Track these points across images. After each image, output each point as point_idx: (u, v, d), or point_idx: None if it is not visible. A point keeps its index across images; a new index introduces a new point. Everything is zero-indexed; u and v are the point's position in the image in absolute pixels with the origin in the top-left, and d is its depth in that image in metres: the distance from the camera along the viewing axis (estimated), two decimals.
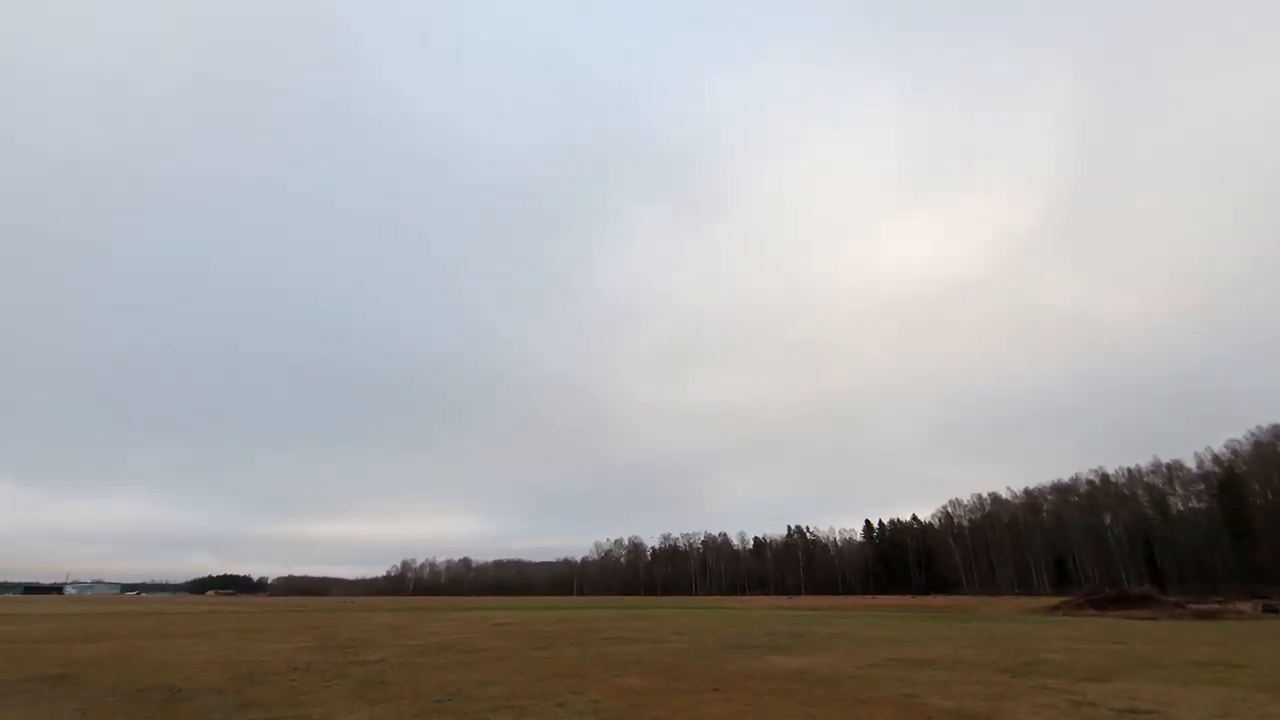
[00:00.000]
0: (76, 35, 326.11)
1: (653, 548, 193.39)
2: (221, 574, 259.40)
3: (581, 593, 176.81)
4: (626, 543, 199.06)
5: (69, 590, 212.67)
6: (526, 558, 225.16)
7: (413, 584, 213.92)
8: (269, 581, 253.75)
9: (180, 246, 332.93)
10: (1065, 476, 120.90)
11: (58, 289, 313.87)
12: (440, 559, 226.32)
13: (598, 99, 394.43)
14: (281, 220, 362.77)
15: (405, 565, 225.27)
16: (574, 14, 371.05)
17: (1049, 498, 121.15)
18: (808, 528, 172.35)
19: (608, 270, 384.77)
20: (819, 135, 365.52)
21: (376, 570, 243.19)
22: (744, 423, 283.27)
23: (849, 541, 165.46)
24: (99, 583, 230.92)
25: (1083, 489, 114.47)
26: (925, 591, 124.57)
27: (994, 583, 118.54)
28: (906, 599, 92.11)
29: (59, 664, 14.81)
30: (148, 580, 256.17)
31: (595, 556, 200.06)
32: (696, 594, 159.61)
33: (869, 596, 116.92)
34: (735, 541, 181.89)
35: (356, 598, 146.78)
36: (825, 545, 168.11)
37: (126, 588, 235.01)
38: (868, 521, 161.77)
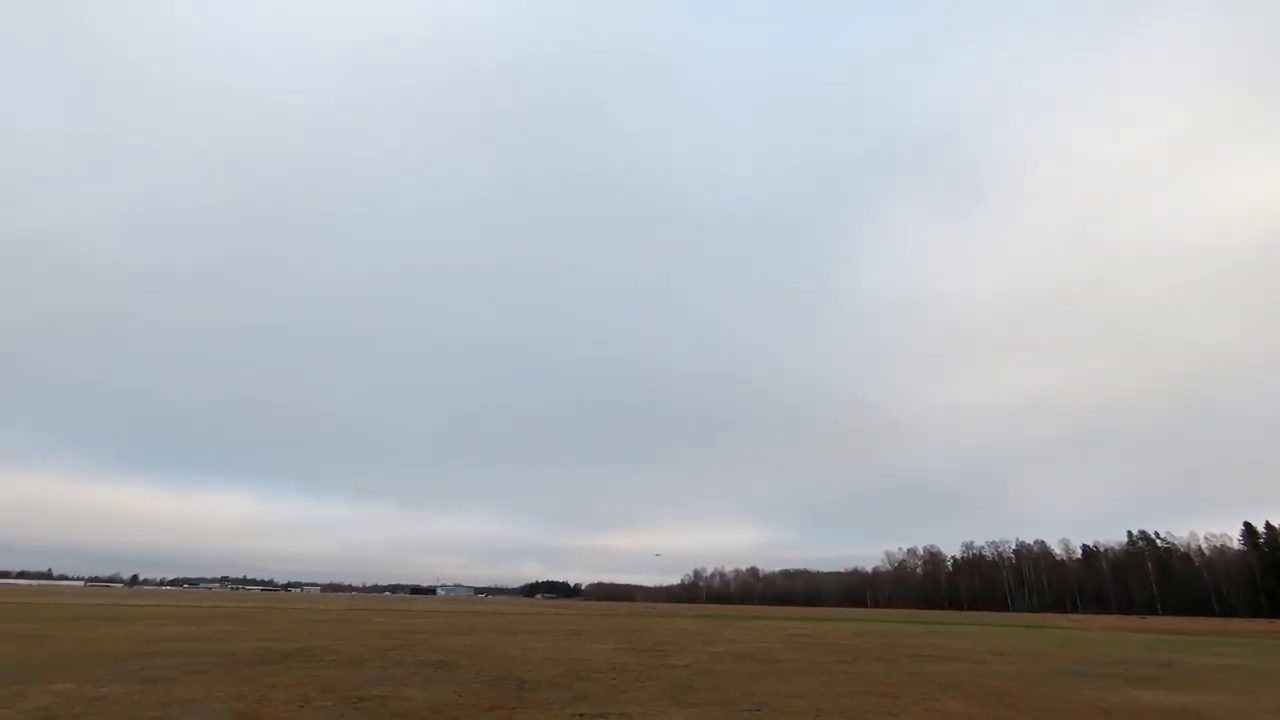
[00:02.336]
0: (409, 149, 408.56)
1: (953, 557, 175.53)
2: (545, 580, 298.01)
3: (875, 604, 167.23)
4: (922, 552, 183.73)
5: (439, 591, 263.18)
6: (812, 567, 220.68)
7: (705, 592, 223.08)
8: (582, 587, 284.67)
9: (499, 322, 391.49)
10: None
11: (410, 368, 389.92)
12: (728, 568, 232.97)
13: (835, 104, 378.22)
14: (566, 285, 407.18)
15: (697, 574, 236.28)
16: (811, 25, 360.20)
17: None
18: (1157, 533, 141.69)
19: (870, 269, 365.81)
20: (1101, 88, 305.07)
21: (671, 578, 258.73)
22: (1051, 413, 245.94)
23: (1221, 550, 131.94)
24: (459, 586, 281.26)
25: None
26: None
27: None
28: None
29: (439, 652, 18.20)
30: (492, 584, 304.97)
31: (888, 567, 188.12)
32: (1012, 609, 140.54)
33: (1262, 621, 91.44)
34: (1057, 550, 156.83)
35: (657, 604, 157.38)
36: (1186, 555, 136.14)
37: (478, 590, 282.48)
38: (1248, 525, 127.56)
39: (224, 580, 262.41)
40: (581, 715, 9.32)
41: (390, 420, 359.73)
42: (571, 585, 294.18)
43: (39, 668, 12.81)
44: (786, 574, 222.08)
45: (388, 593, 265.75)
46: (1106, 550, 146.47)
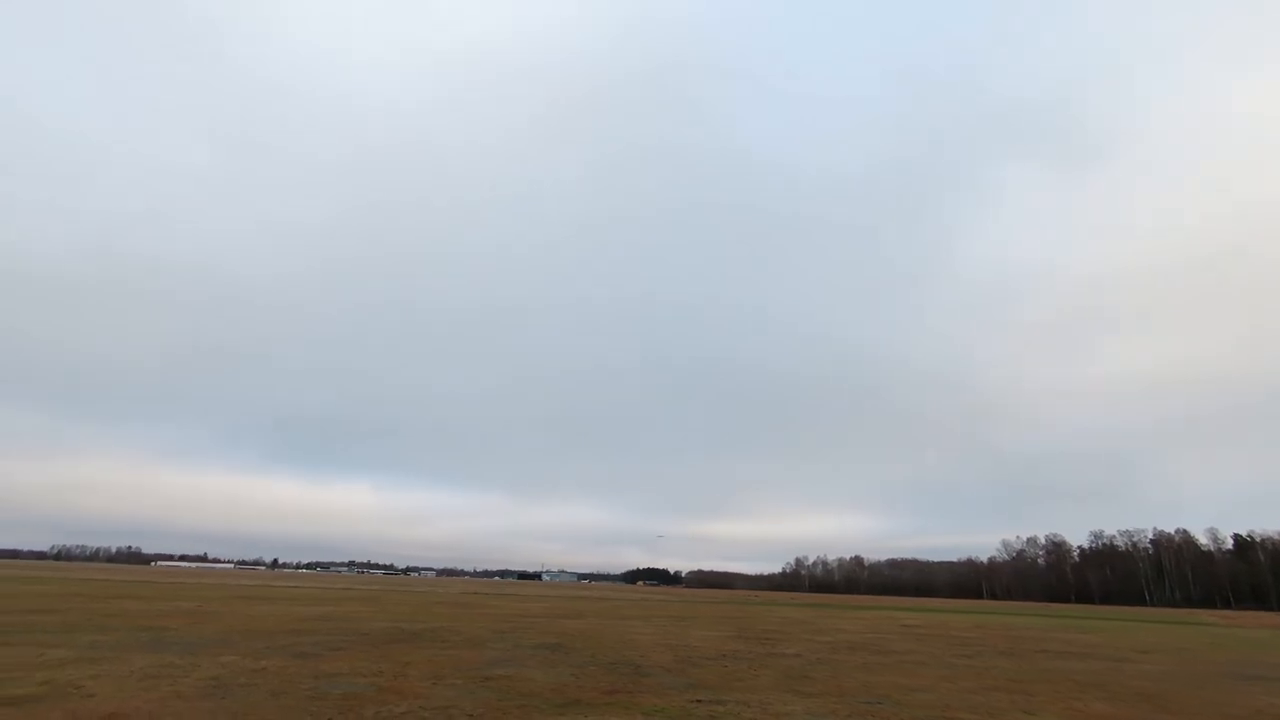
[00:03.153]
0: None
1: (1080, 547, 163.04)
2: (647, 567, 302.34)
3: (993, 596, 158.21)
4: (1044, 541, 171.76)
5: (544, 577, 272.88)
6: (922, 556, 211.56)
7: (807, 581, 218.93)
8: (682, 575, 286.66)
9: (603, 317, 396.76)
10: None
11: (518, 361, 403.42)
12: (831, 556, 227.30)
13: (943, 69, 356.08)
14: (669, 277, 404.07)
15: (799, 562, 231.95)
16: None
17: None
18: None
19: (983, 242, 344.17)
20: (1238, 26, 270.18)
21: (771, 566, 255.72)
22: (1190, 392, 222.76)
23: None
24: (563, 571, 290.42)
25: None
26: None
27: None
28: None
29: (553, 635, 18.86)
30: (595, 570, 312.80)
31: (1005, 557, 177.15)
32: (1151, 605, 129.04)
33: None
34: (1203, 540, 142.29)
35: (758, 592, 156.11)
36: None
37: (581, 576, 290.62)
38: None
39: (351, 564, 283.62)
40: (698, 701, 9.37)
41: (497, 413, 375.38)
42: (672, 572, 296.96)
43: (207, 641, 14.31)
44: (894, 563, 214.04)
45: (497, 577, 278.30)
46: (1264, 540, 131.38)
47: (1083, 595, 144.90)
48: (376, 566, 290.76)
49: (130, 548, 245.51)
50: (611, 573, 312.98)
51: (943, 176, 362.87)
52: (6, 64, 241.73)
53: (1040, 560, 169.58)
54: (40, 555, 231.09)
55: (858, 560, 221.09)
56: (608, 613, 33.53)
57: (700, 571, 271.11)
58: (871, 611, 49.45)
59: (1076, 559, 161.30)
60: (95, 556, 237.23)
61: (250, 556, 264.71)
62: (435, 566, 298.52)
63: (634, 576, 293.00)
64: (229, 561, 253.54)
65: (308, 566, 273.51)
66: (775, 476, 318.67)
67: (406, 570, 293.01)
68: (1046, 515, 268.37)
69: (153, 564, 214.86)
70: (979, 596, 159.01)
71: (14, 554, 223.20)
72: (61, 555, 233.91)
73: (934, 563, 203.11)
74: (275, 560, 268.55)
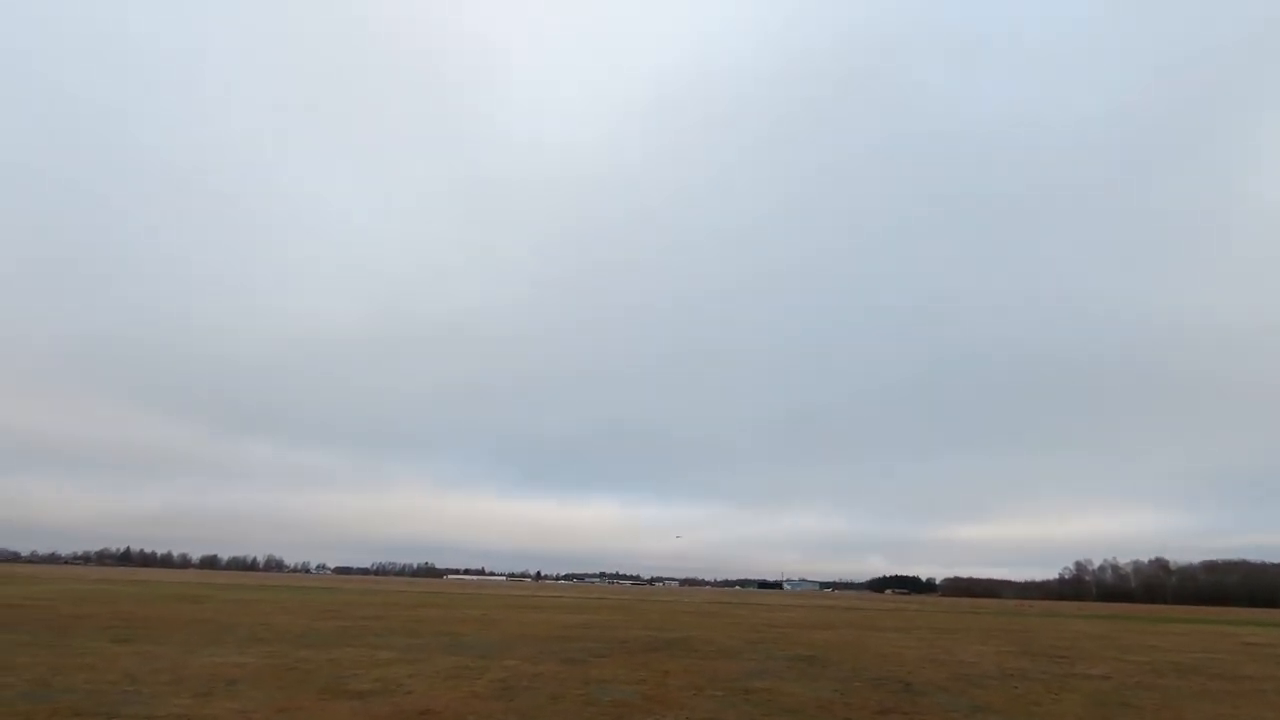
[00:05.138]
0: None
1: None
2: (894, 575, 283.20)
3: None
4: None
5: (786, 586, 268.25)
6: (1251, 557, 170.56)
7: (1094, 588, 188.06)
8: (936, 582, 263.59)
9: (824, 313, 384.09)
10: None
11: (744, 365, 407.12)
12: (1123, 560, 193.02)
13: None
14: (897, 269, 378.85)
15: (1080, 566, 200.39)
16: None
17: None
18: None
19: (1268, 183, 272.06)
20: None
21: (1044, 572, 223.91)
22: None
23: None
24: (804, 580, 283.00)
25: None
26: None
27: None
28: None
29: (806, 647, 18.16)
30: (837, 579, 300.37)
31: None
32: None
33: None
34: None
35: (1031, 601, 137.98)
36: None
37: (823, 585, 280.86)
38: None
39: (601, 575, 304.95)
40: None
41: (726, 424, 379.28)
42: (924, 580, 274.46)
43: (493, 646, 16.02)
44: (1211, 566, 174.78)
45: (737, 586, 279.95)
46: None
47: None
48: (624, 577, 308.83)
49: (427, 564, 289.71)
50: (855, 580, 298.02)
51: (1224, 108, 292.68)
52: (310, 168, 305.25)
53: None
54: (365, 571, 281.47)
55: (1160, 563, 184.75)
56: (859, 623, 31.69)
57: (957, 579, 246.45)
58: (1193, 625, 40.82)
59: None
60: (402, 572, 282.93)
61: (518, 570, 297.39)
62: (678, 576, 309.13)
63: (880, 584, 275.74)
64: (501, 574, 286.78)
65: (565, 578, 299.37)
66: (1045, 471, 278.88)
67: (652, 581, 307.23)
68: None
69: (444, 577, 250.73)
70: None
71: (347, 570, 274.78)
72: (380, 571, 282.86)
73: (1270, 565, 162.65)
74: (539, 573, 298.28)
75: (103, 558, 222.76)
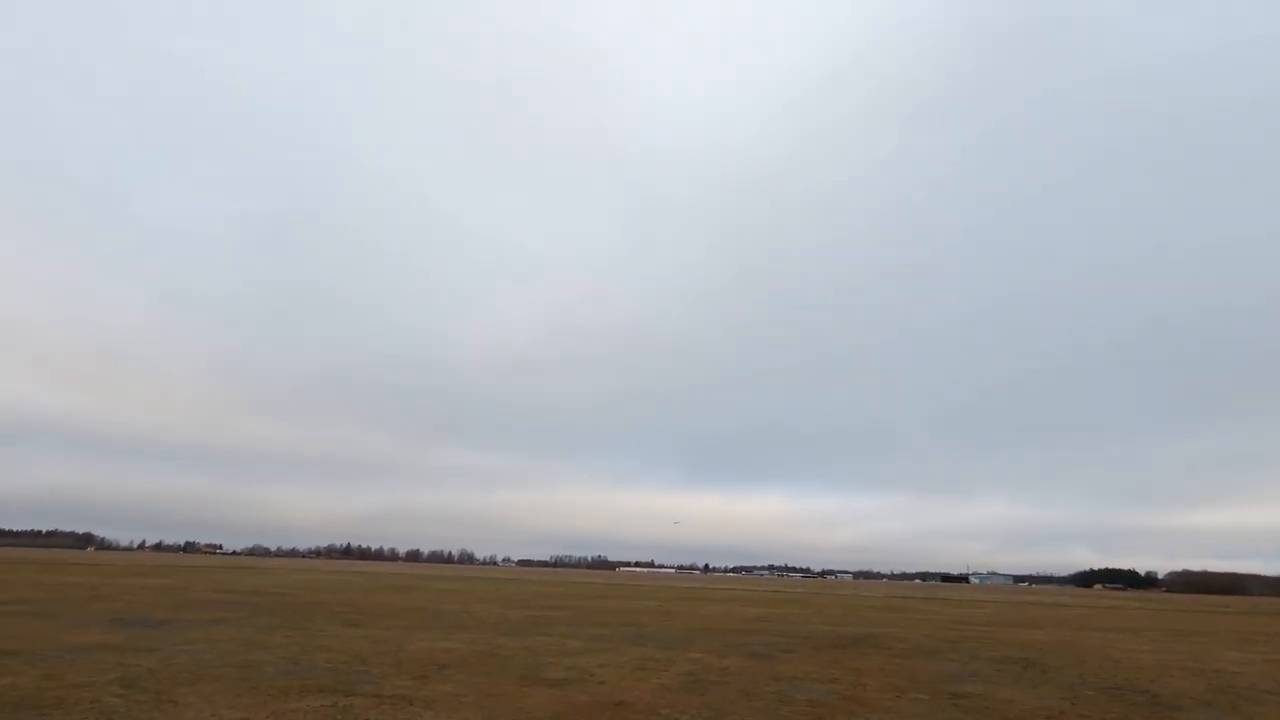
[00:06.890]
0: None
1: None
2: (1104, 568, 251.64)
3: None
4: None
5: (973, 579, 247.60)
6: None
7: None
8: (1159, 575, 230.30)
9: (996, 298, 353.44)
10: None
11: (919, 355, 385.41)
12: None
13: None
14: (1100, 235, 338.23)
15: None
16: None
17: None
18: None
19: None
20: None
21: None
22: None
23: None
24: (993, 573, 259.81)
25: None
26: None
27: None
28: None
29: (1016, 648, 16.40)
30: (1033, 572, 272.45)
31: None
32: None
33: None
34: None
35: None
36: None
37: (1018, 578, 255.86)
38: None
39: (770, 567, 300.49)
40: None
41: (900, 413, 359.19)
42: (1143, 573, 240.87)
43: (676, 637, 16.14)
44: None
45: (917, 580, 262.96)
46: None
47: None
48: (794, 569, 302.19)
49: (600, 556, 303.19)
50: (1056, 574, 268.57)
51: None
52: (488, 204, 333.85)
53: None
54: (544, 563, 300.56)
55: None
56: (1071, 621, 28.27)
57: (1187, 572, 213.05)
58: None
59: None
60: (578, 564, 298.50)
61: (686, 562, 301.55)
62: (851, 569, 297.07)
63: (1088, 578, 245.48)
64: (670, 566, 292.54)
65: (733, 570, 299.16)
66: None
67: (823, 573, 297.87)
68: None
69: (616, 569, 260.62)
70: None
71: (528, 562, 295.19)
72: (558, 563, 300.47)
73: None
74: (706, 565, 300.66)
75: (330, 552, 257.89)
